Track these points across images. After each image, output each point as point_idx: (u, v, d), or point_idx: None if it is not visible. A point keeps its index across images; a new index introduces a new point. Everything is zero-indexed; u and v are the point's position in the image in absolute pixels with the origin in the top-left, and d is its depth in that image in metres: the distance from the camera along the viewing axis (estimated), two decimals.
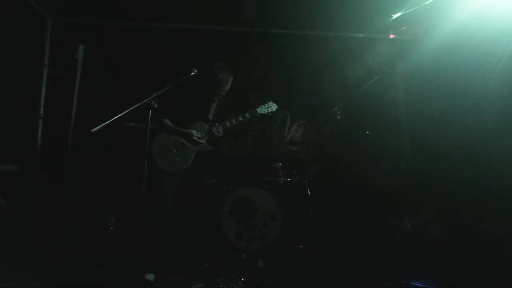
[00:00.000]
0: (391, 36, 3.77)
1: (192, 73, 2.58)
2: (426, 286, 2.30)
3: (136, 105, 2.36)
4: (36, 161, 3.55)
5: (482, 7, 2.76)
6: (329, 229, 3.37)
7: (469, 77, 2.84)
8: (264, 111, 2.82)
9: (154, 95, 2.43)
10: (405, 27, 3.58)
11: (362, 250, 2.85)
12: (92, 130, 2.13)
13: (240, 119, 2.72)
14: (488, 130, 2.67)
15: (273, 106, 2.85)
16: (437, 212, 2.69)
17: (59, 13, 3.69)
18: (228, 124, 2.69)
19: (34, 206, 3.36)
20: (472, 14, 2.82)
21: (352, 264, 2.78)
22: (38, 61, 3.65)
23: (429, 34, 3.28)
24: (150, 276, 2.46)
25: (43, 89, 3.68)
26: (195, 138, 2.62)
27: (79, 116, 3.71)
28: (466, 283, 2.23)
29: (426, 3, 3.01)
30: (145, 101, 2.39)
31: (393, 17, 3.23)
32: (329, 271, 2.82)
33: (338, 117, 3.11)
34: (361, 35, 3.82)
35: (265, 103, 2.84)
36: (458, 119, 2.94)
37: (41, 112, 3.63)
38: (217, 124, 2.67)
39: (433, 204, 2.76)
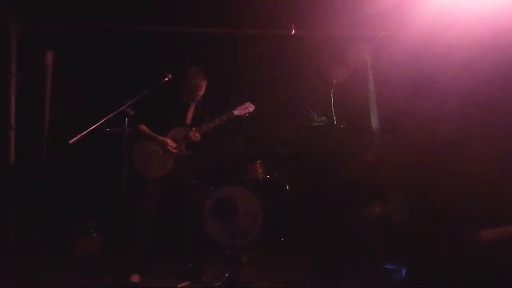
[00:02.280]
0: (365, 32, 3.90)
1: (166, 79, 2.61)
2: (395, 267, 2.49)
3: (112, 114, 2.38)
4: (9, 174, 3.47)
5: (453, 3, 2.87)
6: (308, 221, 3.51)
7: (438, 71, 2.97)
8: (241, 113, 2.81)
9: (129, 103, 2.45)
10: None
11: (338, 240, 3.00)
12: (70, 142, 2.14)
13: (217, 122, 2.71)
14: (454, 119, 2.82)
15: (250, 107, 2.84)
16: (404, 200, 2.87)
17: (23, 20, 3.58)
18: (205, 128, 2.69)
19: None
20: (443, 9, 2.93)
21: (329, 253, 2.92)
22: (5, 70, 3.55)
23: (401, 30, 3.40)
24: (135, 278, 2.49)
25: (13, 99, 3.58)
26: (169, 148, 2.63)
27: (53, 124, 3.64)
28: (432, 264, 2.40)
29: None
30: (120, 109, 2.41)
31: None
32: (309, 261, 2.95)
33: (313, 114, 3.22)
34: (334, 33, 3.92)
35: (242, 104, 2.84)
36: (425, 111, 3.09)
37: (12, 122, 3.54)
38: (194, 129, 2.67)
39: (400, 192, 2.93)
